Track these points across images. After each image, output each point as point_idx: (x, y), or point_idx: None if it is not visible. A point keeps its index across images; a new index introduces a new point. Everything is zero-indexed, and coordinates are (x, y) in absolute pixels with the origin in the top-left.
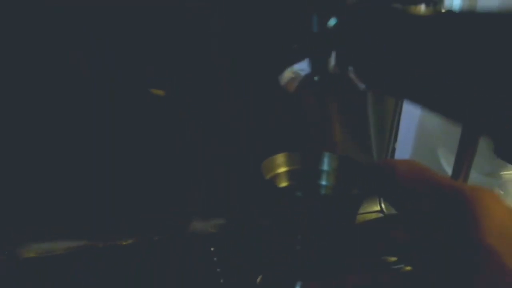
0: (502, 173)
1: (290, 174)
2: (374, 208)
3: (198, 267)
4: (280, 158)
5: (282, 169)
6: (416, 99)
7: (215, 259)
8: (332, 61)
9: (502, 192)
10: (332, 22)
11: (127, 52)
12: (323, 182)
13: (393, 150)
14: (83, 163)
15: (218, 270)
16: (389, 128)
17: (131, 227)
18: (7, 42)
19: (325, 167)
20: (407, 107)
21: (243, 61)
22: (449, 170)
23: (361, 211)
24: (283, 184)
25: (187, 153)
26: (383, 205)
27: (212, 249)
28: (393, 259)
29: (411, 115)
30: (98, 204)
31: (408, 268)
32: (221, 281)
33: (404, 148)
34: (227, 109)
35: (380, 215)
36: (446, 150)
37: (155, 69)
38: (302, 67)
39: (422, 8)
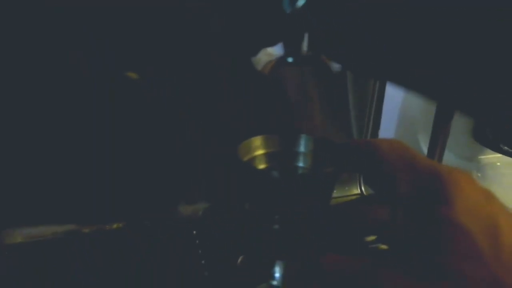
0: (480, 157)
1: (267, 156)
2: (354, 191)
3: (180, 249)
4: (257, 141)
5: (259, 152)
6: (390, 79)
7: (197, 241)
8: (305, 42)
9: (479, 175)
10: (300, 2)
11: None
12: (300, 164)
13: (376, 136)
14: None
15: (200, 252)
16: (368, 112)
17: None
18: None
19: (302, 149)
20: (389, 94)
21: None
22: None
23: (341, 194)
24: (260, 166)
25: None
26: (363, 188)
27: (194, 232)
28: (371, 238)
29: (393, 101)
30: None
31: (384, 247)
32: (203, 262)
33: (386, 134)
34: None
35: None
36: (426, 136)
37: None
38: (276, 49)
39: None
